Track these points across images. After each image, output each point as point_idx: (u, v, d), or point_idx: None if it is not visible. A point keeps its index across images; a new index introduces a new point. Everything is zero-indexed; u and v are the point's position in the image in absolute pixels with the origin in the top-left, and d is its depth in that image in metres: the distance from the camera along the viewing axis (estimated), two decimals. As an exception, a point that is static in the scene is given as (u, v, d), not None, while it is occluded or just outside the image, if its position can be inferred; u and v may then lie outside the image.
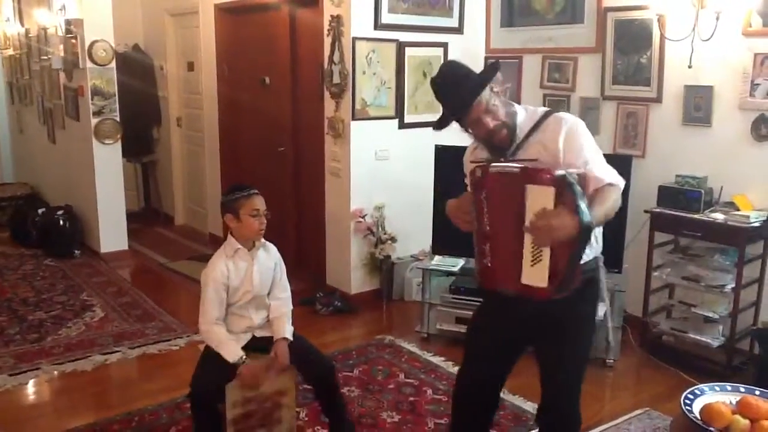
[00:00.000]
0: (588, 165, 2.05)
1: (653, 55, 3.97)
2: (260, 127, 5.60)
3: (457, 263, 4.12)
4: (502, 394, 2.52)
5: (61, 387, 3.57)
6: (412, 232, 4.68)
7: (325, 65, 4.55)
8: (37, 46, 6.54)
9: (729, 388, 2.17)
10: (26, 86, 7.29)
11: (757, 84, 3.56)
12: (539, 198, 1.94)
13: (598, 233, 2.18)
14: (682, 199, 3.70)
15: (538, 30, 4.62)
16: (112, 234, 5.76)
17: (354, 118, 4.44)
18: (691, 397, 2.10)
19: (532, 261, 1.99)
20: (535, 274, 1.99)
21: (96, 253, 5.78)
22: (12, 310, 4.59)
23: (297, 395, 2.88)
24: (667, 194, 3.79)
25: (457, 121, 2.13)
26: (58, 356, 3.84)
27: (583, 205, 1.89)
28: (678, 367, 3.67)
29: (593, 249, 2.16)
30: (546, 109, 2.20)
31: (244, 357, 2.62)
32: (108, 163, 5.64)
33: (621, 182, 2.12)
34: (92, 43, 5.34)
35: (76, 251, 5.83)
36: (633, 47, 4.07)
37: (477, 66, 2.17)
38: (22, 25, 6.97)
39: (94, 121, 5.49)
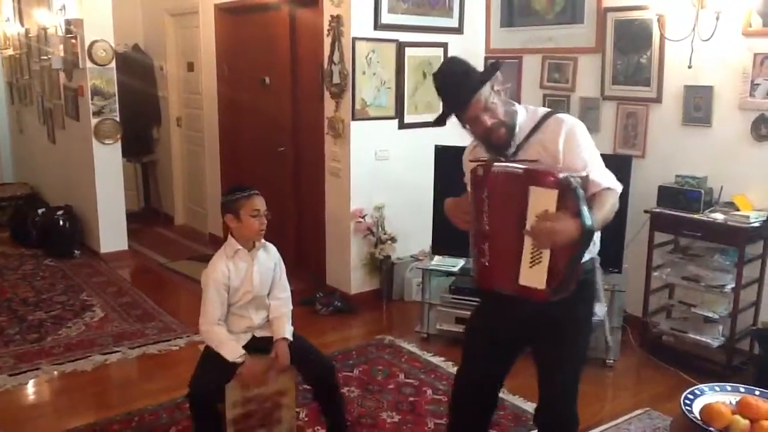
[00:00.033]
0: (587, 167, 2.06)
1: (653, 55, 3.96)
2: (260, 127, 5.60)
3: (456, 263, 4.12)
4: (501, 394, 2.53)
5: (61, 387, 3.57)
6: (412, 232, 4.68)
7: (325, 65, 4.55)
8: (37, 46, 6.54)
9: (729, 388, 2.17)
10: (26, 86, 7.28)
11: (757, 84, 3.56)
12: (542, 200, 1.94)
13: (596, 235, 2.18)
14: (682, 199, 3.70)
15: (538, 30, 4.62)
16: (112, 234, 5.76)
17: (354, 118, 4.44)
18: (691, 397, 2.10)
19: (531, 262, 1.99)
20: (534, 275, 1.99)
21: (96, 253, 5.78)
22: (12, 310, 4.59)
23: (297, 395, 2.89)
24: (667, 194, 3.79)
25: (456, 117, 2.13)
26: (58, 356, 3.85)
27: (585, 209, 1.90)
28: (678, 367, 3.67)
29: (590, 250, 2.16)
30: (547, 109, 2.20)
31: (244, 356, 2.62)
32: (108, 163, 5.64)
33: (619, 187, 2.13)
34: (92, 43, 5.35)
35: (76, 251, 5.83)
36: (633, 47, 4.07)
37: (477, 66, 2.17)
38: (22, 25, 6.97)
39: (94, 121, 5.49)
